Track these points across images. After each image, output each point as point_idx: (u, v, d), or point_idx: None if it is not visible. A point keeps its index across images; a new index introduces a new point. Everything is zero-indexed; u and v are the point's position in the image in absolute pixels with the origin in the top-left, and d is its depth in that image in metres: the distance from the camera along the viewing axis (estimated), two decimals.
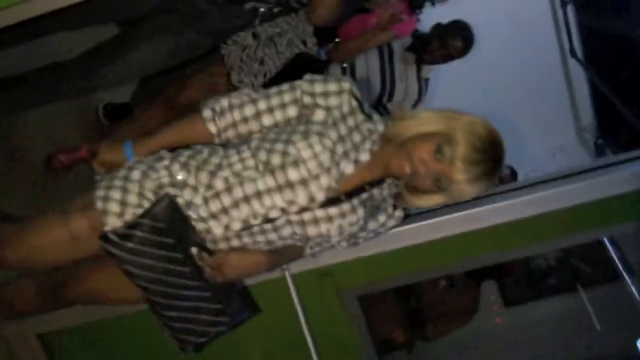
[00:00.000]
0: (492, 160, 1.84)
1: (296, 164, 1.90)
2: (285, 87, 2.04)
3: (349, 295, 2.87)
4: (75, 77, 2.88)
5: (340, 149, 1.94)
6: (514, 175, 4.05)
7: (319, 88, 1.99)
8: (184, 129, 2.10)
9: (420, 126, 1.91)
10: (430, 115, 1.93)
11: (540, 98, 4.93)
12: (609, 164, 2.77)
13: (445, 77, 4.16)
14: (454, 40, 3.50)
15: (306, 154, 1.90)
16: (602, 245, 4.37)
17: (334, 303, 2.86)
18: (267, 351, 2.97)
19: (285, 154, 1.91)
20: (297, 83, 2.02)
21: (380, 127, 2.01)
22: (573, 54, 4.72)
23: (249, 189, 1.92)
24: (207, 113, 2.04)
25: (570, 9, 4.71)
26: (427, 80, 3.69)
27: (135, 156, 2.06)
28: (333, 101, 1.98)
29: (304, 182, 1.91)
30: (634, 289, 4.19)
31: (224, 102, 2.03)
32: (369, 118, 2.02)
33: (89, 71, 2.86)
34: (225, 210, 1.95)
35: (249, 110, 2.02)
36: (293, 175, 1.90)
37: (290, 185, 1.91)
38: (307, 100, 1.99)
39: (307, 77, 2.03)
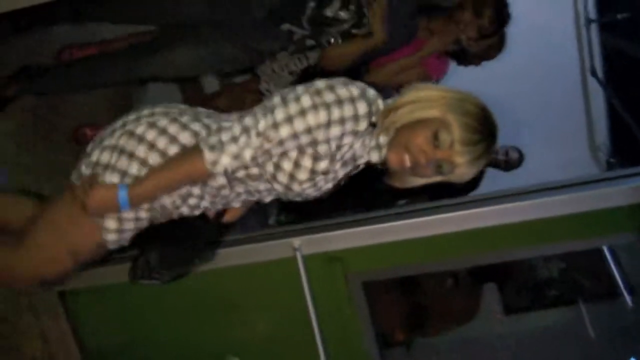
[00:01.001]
0: (488, 136, 1.81)
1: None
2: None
3: (355, 279, 3.00)
4: (116, 67, 3.00)
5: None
6: (521, 157, 4.04)
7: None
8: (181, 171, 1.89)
9: (412, 113, 1.83)
10: (421, 99, 1.85)
11: (557, 112, 5.02)
12: (613, 177, 2.89)
13: (466, 85, 4.24)
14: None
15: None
16: (604, 260, 4.45)
17: (341, 286, 3.00)
18: (272, 326, 3.11)
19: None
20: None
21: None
22: (593, 72, 4.82)
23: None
24: (206, 150, 1.82)
25: (593, 28, 4.79)
26: None
27: (128, 202, 1.91)
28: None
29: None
30: (630, 305, 4.29)
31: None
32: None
33: (129, 63, 2.98)
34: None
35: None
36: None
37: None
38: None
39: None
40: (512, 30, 3.58)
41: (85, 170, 1.96)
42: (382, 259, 2.97)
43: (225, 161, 1.80)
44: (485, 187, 3.47)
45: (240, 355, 3.04)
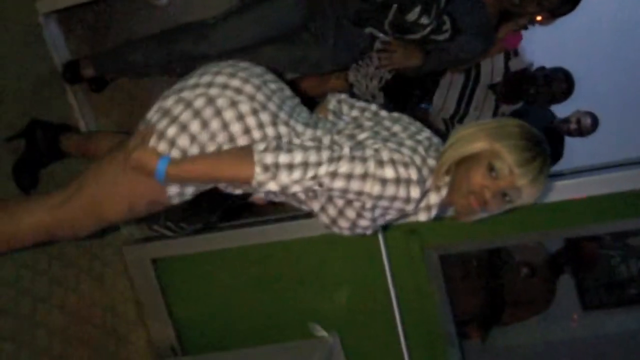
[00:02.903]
0: (540, 149, 1.79)
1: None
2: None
3: (432, 253, 3.10)
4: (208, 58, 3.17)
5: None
6: (595, 123, 4.03)
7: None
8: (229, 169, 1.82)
9: (457, 151, 1.82)
10: (460, 136, 1.85)
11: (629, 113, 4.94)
12: None
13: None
14: (560, 82, 3.53)
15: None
16: None
17: (418, 259, 3.10)
18: (352, 296, 3.23)
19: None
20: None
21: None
22: None
23: None
24: (258, 168, 1.74)
25: None
26: (502, 114, 3.71)
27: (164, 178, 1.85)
28: None
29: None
30: None
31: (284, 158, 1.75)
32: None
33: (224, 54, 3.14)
34: None
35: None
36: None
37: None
38: None
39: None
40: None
41: (153, 115, 1.90)
42: (458, 232, 3.06)
43: (272, 187, 1.75)
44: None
45: (321, 323, 3.16)
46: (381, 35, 2.98)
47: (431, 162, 1.83)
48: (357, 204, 1.82)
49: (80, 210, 1.98)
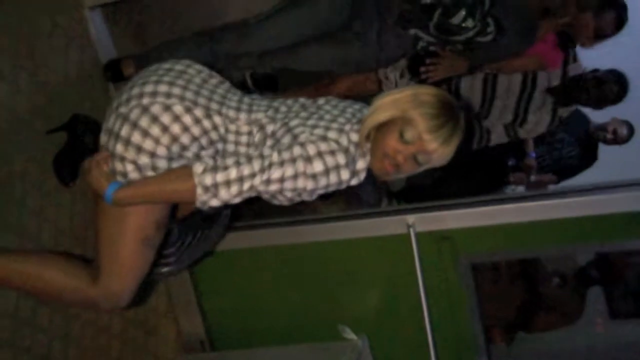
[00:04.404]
0: (451, 116, 1.91)
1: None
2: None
3: (465, 260, 3.09)
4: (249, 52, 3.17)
5: None
6: (631, 132, 3.96)
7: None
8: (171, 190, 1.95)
9: (374, 118, 1.95)
10: (378, 106, 1.97)
11: None
12: None
13: None
14: (611, 84, 3.50)
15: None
16: None
17: (450, 266, 3.10)
18: (382, 299, 3.24)
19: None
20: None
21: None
22: None
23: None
24: (199, 190, 1.87)
25: None
26: (560, 117, 3.70)
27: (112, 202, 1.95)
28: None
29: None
30: None
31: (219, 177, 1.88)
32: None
33: (266, 52, 3.15)
34: None
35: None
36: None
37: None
38: None
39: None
40: None
41: (103, 137, 2.02)
42: (492, 242, 3.05)
43: (215, 203, 1.91)
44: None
45: (350, 325, 3.17)
46: (426, 36, 2.98)
47: (355, 136, 1.97)
48: (296, 192, 1.96)
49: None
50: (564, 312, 4.81)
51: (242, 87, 3.86)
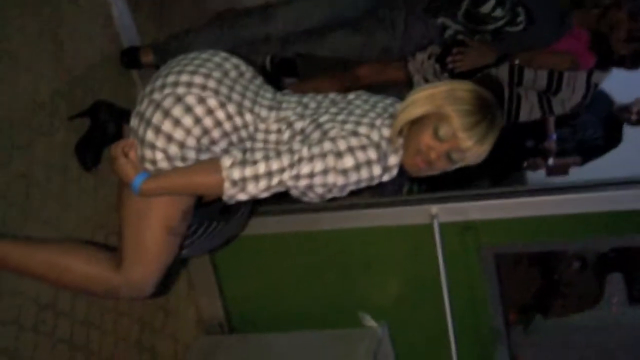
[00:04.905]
0: (487, 113, 1.87)
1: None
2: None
3: (488, 251, 3.07)
4: (270, 42, 3.12)
5: None
6: None
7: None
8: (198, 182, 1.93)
9: (408, 113, 1.91)
10: (412, 101, 1.93)
11: None
12: None
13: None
14: None
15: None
16: None
17: (473, 256, 3.08)
18: (403, 288, 3.23)
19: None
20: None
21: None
22: None
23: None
24: (227, 184, 1.86)
25: None
26: (596, 85, 3.55)
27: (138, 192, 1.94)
28: None
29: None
30: None
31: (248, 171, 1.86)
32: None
33: (289, 38, 3.12)
34: None
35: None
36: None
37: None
38: None
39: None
40: None
41: (133, 120, 1.98)
42: (516, 234, 3.03)
43: (243, 197, 1.89)
44: None
45: (371, 313, 3.17)
46: (454, 25, 2.93)
47: (387, 131, 1.93)
48: (326, 189, 1.92)
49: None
50: (583, 296, 4.80)
51: (262, 72, 3.83)
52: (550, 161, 3.99)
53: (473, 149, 1.88)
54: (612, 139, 4.07)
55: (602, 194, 2.87)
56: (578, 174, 4.11)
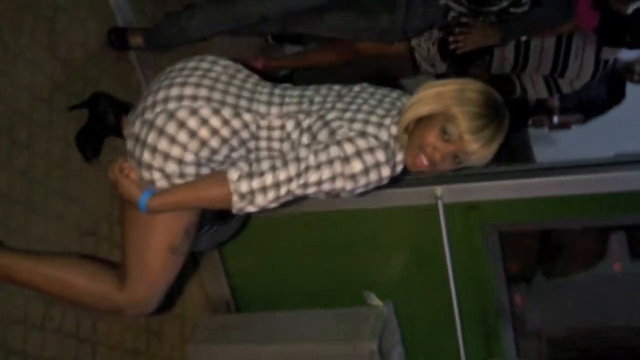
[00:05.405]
0: (495, 117, 1.83)
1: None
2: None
3: (491, 229, 3.07)
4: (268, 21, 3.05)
5: None
6: None
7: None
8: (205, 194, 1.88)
9: (415, 111, 1.87)
10: (419, 98, 1.89)
11: None
12: None
13: None
14: None
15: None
16: None
17: (476, 234, 3.09)
18: (408, 267, 3.25)
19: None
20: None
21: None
22: None
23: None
24: (235, 197, 1.82)
25: None
26: (606, 62, 3.49)
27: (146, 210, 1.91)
28: None
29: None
30: None
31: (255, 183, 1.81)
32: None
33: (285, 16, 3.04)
34: None
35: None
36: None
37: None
38: None
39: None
40: None
41: (129, 143, 1.95)
42: (520, 213, 3.03)
43: (251, 209, 1.85)
44: None
45: (376, 292, 3.19)
46: (457, 7, 2.86)
47: (395, 129, 1.90)
48: (335, 193, 1.90)
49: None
50: (586, 256, 4.80)
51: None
52: (555, 119, 3.96)
53: (478, 152, 1.84)
54: (615, 97, 4.02)
55: (604, 175, 2.86)
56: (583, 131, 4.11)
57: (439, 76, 3.48)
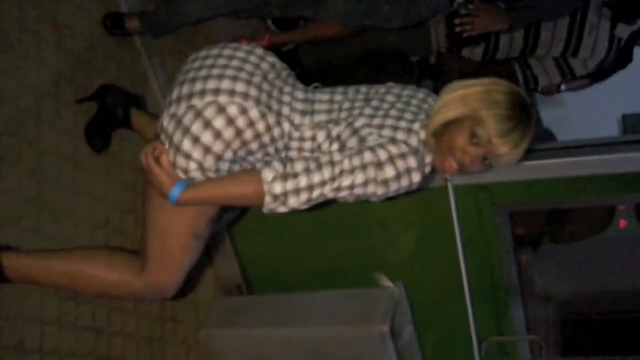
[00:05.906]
0: (523, 119, 1.84)
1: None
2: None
3: (501, 210, 3.07)
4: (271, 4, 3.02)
5: None
6: None
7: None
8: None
9: (443, 115, 1.88)
10: (445, 102, 1.90)
11: None
12: None
13: None
14: None
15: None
16: None
17: (487, 214, 3.08)
18: (419, 249, 3.26)
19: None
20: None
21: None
22: None
23: None
24: (268, 198, 1.81)
25: None
26: (620, 40, 3.44)
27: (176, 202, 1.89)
28: None
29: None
30: None
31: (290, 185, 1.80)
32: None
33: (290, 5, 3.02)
34: None
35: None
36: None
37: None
38: None
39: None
40: None
41: (167, 123, 1.91)
42: (529, 193, 3.02)
43: (283, 210, 1.85)
44: None
45: (387, 273, 3.19)
46: None
47: (424, 134, 1.92)
48: (365, 197, 1.92)
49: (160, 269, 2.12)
50: (594, 222, 4.80)
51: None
52: (563, 87, 3.94)
53: (508, 154, 1.86)
54: (622, 60, 3.99)
55: (614, 156, 2.84)
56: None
57: (440, 54, 3.45)
